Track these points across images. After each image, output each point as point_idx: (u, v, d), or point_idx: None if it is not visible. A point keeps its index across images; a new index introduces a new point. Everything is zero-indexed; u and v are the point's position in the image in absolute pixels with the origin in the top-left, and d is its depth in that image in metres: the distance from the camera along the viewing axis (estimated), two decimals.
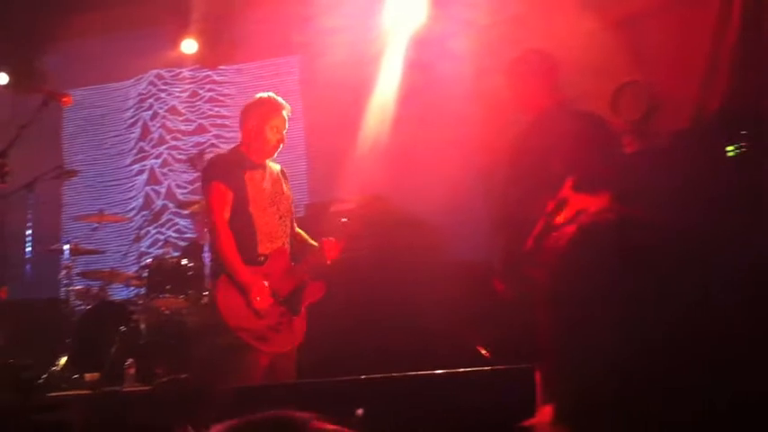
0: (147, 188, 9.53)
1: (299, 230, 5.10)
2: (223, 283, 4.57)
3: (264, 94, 4.91)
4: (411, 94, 7.37)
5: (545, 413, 1.28)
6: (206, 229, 6.82)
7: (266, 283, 4.59)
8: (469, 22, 6.80)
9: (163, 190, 9.47)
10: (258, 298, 4.52)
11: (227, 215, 4.66)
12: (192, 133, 9.53)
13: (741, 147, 4.08)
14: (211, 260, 5.59)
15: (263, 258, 4.72)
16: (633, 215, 1.16)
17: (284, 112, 4.85)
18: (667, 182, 4.18)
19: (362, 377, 4.08)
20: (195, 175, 7.94)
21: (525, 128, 4.57)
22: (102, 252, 8.47)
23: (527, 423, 1.38)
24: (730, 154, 4.14)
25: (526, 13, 6.60)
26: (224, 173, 4.72)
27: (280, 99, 4.88)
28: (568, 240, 1.18)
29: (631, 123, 5.75)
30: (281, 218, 4.86)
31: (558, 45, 6.27)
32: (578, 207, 3.76)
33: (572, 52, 6.06)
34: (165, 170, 9.52)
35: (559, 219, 3.85)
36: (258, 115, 4.83)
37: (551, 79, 4.56)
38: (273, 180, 4.91)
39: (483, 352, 4.40)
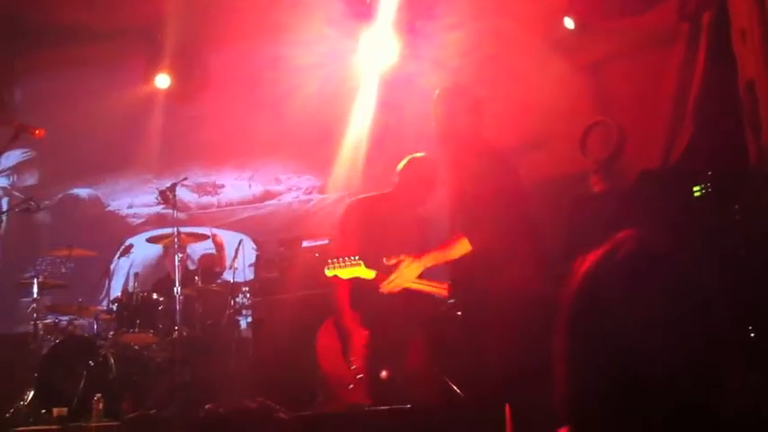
0: None
1: None
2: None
3: None
4: (383, 133, 7.45)
5: None
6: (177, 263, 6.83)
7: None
8: (440, 63, 6.90)
9: None
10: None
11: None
12: None
13: (707, 187, 4.16)
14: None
15: None
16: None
17: None
18: (634, 222, 4.24)
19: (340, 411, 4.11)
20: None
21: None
22: (72, 286, 8.37)
23: None
24: (696, 194, 4.23)
25: (496, 55, 6.73)
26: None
27: None
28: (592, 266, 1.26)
29: (599, 163, 5.85)
30: None
31: (528, 86, 6.40)
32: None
33: (542, 94, 6.19)
34: None
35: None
36: None
37: (476, 115, 4.50)
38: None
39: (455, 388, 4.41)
